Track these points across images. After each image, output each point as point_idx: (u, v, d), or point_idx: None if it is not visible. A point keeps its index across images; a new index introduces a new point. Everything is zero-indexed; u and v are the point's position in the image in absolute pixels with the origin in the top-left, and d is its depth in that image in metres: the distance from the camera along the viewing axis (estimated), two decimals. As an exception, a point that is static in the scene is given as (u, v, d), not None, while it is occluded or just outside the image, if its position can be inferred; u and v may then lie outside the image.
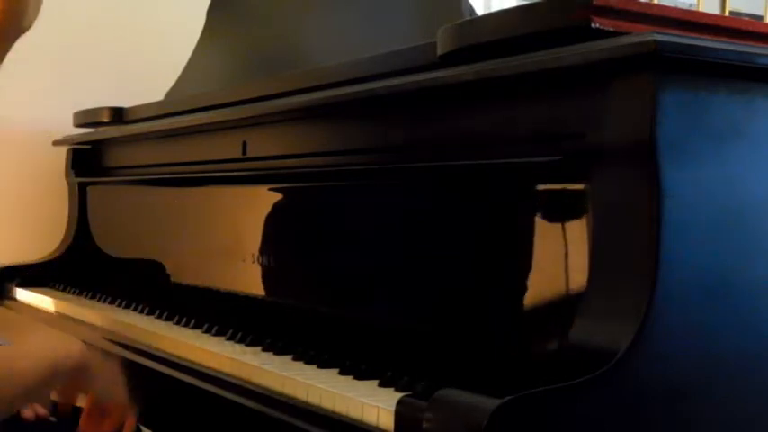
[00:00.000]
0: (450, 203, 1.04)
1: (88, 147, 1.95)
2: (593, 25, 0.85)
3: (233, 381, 1.10)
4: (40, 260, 1.94)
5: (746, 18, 0.95)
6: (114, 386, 1.11)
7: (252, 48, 1.67)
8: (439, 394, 0.77)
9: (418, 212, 1.08)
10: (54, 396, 1.14)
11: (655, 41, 0.78)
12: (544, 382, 0.74)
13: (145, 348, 1.34)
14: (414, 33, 1.29)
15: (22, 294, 1.81)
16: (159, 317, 1.45)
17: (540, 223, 0.93)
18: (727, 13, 1.06)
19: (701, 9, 1.07)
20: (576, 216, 0.87)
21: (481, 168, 0.99)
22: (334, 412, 0.93)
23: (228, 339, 1.25)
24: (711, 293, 0.82)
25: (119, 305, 1.59)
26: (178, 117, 1.61)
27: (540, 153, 0.90)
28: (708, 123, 0.82)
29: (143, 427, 1.43)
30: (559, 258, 0.90)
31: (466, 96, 1.01)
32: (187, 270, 1.56)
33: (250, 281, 1.36)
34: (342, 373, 1.01)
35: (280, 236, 1.31)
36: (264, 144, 1.36)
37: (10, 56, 2.13)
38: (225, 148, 1.44)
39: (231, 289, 1.37)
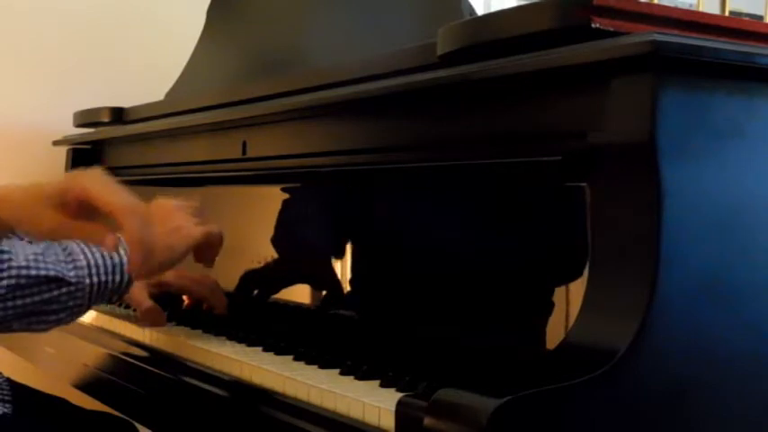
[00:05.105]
0: (450, 203, 1.04)
1: (88, 147, 1.95)
2: (593, 25, 0.85)
3: (234, 381, 1.10)
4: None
5: (746, 18, 0.95)
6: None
7: (252, 47, 1.67)
8: (439, 394, 0.77)
9: (418, 212, 1.08)
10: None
11: (655, 41, 0.78)
12: (544, 382, 0.74)
13: (145, 347, 1.35)
14: (414, 33, 1.29)
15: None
16: (159, 317, 1.45)
17: (540, 223, 0.93)
18: (727, 13, 1.06)
19: (701, 9, 1.07)
20: (576, 216, 0.87)
21: (481, 168, 0.99)
22: (335, 412, 0.93)
23: (230, 339, 1.25)
24: (712, 293, 0.82)
25: (118, 305, 1.59)
26: (178, 117, 1.61)
27: (540, 153, 0.90)
28: (708, 123, 0.82)
29: (142, 427, 1.43)
30: (559, 258, 0.90)
31: (466, 96, 1.01)
32: (187, 270, 1.56)
33: (250, 280, 1.36)
34: (343, 373, 1.01)
35: (280, 235, 1.31)
36: (264, 144, 1.36)
37: (10, 56, 2.13)
38: (225, 148, 1.44)
39: (232, 288, 1.37)
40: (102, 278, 1.10)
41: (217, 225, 1.25)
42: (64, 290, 1.07)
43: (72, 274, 1.08)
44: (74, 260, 1.08)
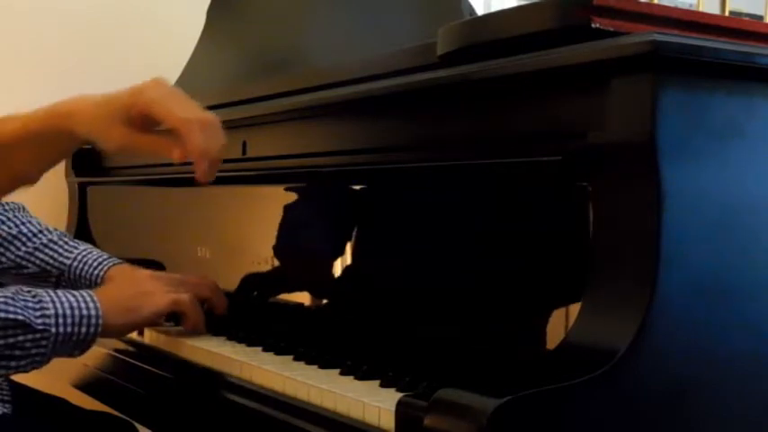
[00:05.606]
0: (450, 203, 1.04)
1: (88, 146, 1.94)
2: (593, 25, 0.85)
3: (234, 381, 1.10)
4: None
5: (746, 18, 0.95)
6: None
7: (252, 47, 1.67)
8: (439, 394, 0.77)
9: (418, 212, 1.08)
10: None
11: (655, 41, 0.78)
12: (544, 382, 0.74)
13: (144, 347, 1.35)
14: (414, 33, 1.29)
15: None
16: (160, 317, 1.45)
17: (540, 223, 0.93)
18: (727, 13, 1.06)
19: (701, 9, 1.07)
20: (576, 216, 0.87)
21: (481, 168, 0.99)
22: (335, 412, 0.93)
23: (230, 339, 1.25)
24: (712, 293, 0.82)
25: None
26: (178, 117, 1.60)
27: (541, 153, 0.90)
28: (708, 123, 0.82)
29: (142, 427, 1.43)
30: (559, 258, 0.90)
31: (466, 96, 1.01)
32: (187, 270, 1.56)
33: (250, 280, 1.36)
34: (343, 373, 1.01)
35: (280, 236, 1.31)
36: (264, 144, 1.36)
37: (10, 56, 2.12)
38: (225, 148, 1.44)
39: (232, 289, 1.37)
40: (69, 329, 1.08)
41: (188, 295, 1.26)
42: (29, 336, 1.05)
43: (39, 321, 1.05)
44: (42, 308, 1.06)
